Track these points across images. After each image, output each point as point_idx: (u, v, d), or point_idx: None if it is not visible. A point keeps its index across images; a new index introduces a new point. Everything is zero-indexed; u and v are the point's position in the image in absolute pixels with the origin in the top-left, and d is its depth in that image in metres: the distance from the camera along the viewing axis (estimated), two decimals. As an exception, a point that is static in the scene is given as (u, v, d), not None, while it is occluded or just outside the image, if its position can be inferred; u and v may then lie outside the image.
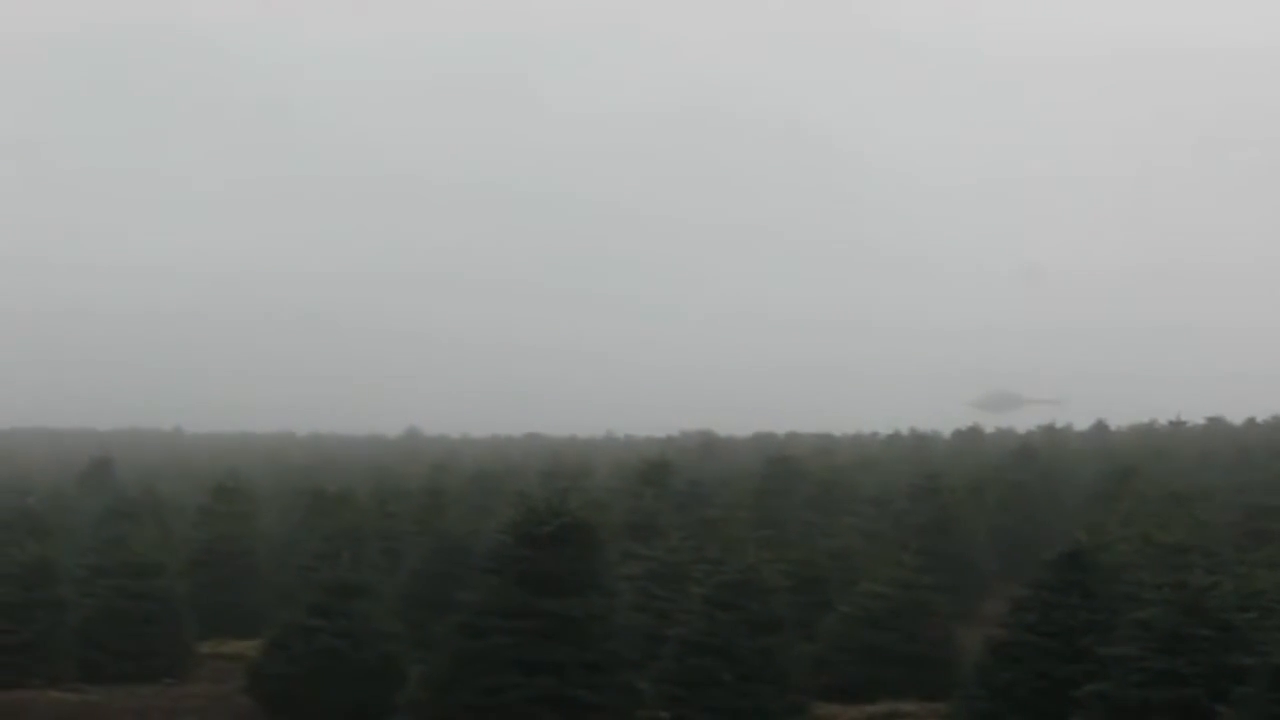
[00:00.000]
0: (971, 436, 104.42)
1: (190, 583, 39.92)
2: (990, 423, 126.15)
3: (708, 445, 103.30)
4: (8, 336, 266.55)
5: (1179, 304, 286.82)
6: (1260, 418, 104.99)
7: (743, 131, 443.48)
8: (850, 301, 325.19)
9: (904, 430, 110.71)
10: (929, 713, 29.23)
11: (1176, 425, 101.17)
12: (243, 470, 62.04)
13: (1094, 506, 50.80)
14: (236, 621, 41.36)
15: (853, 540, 41.77)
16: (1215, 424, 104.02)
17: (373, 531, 44.50)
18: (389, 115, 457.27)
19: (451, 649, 26.80)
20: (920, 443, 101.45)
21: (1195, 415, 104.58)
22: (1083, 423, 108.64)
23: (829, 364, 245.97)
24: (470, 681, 26.12)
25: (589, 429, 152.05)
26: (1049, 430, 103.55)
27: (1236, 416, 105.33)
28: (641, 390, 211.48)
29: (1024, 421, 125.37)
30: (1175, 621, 22.78)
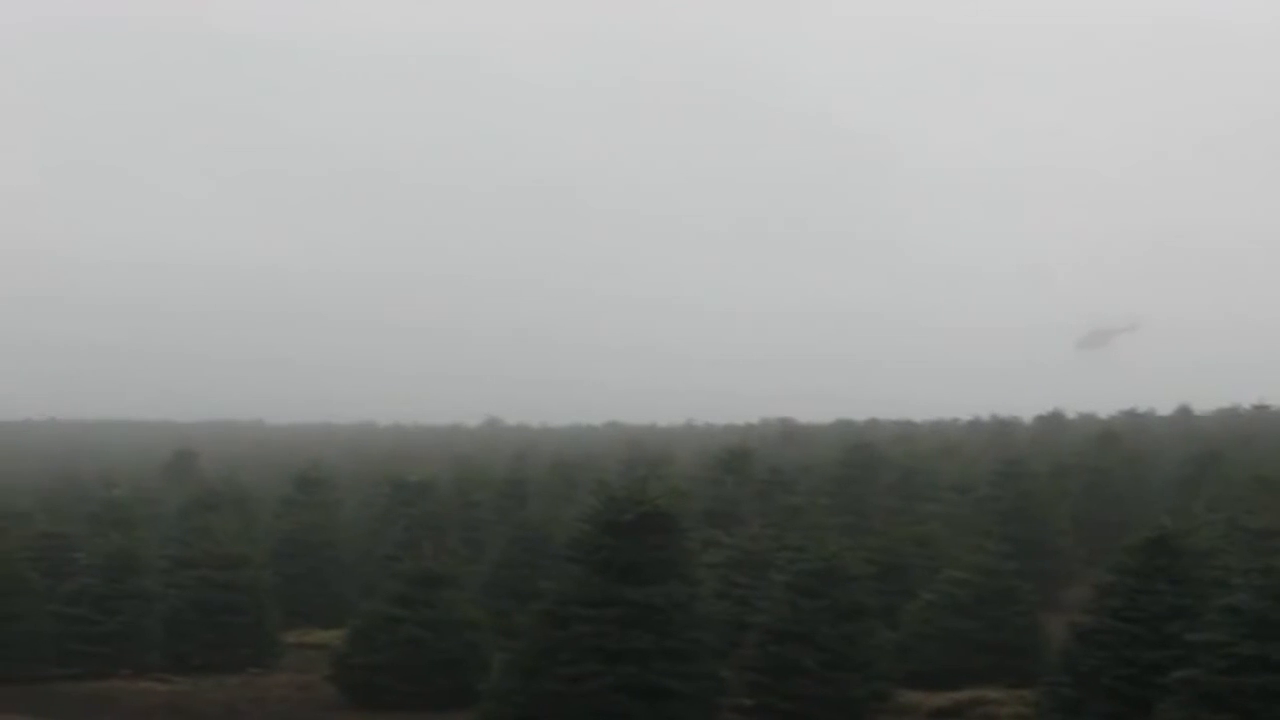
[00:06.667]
0: (1054, 422, 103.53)
1: (274, 573, 40.18)
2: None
3: (788, 433, 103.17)
4: (91, 332, 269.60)
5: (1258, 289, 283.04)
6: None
7: (778, 124, 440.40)
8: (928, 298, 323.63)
9: (985, 416, 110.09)
10: (1014, 700, 29.02)
11: (1260, 409, 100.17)
12: (325, 461, 62.53)
13: (1179, 491, 50.40)
14: (320, 611, 41.67)
15: (935, 527, 41.58)
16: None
17: (454, 521, 44.78)
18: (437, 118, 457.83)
19: (534, 638, 26.84)
20: (1002, 428, 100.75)
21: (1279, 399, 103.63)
22: (1166, 408, 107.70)
23: (907, 352, 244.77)
24: (553, 670, 26.14)
25: (669, 417, 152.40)
26: (1132, 415, 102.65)
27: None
28: (721, 379, 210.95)
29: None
30: (1264, 607, 22.48)
